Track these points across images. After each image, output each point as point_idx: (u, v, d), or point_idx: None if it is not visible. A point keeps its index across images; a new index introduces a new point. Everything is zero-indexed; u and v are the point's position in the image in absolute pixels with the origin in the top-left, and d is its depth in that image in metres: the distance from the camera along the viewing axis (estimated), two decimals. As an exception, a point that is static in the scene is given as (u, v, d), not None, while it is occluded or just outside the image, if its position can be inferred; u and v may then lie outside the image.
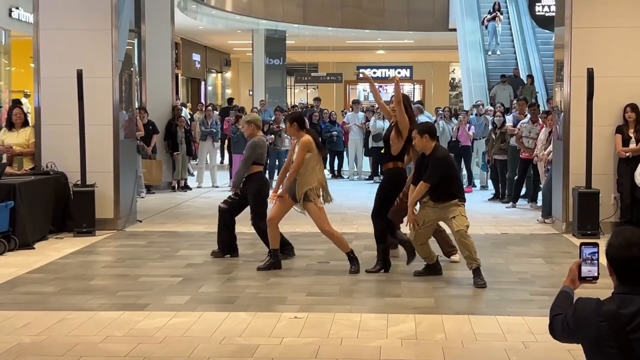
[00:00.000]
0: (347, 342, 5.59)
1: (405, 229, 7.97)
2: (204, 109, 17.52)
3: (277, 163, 15.50)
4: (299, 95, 38.04)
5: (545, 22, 21.61)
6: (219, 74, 38.31)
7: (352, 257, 7.82)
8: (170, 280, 7.51)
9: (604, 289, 3.17)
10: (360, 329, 5.88)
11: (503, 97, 19.09)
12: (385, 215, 7.90)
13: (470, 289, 7.32)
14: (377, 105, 8.14)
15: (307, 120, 17.62)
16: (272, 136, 15.37)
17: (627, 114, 9.92)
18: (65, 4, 10.41)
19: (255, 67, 29.60)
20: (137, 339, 5.65)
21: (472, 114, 16.00)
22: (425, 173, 7.38)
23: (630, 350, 2.82)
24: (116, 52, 10.45)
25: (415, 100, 31.33)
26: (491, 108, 15.95)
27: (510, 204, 12.83)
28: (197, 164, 16.94)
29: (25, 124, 10.52)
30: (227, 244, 8.58)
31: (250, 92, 31.54)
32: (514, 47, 24.08)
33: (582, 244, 3.12)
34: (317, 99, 20.23)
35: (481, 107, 15.99)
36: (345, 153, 18.29)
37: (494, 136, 13.61)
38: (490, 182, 14.61)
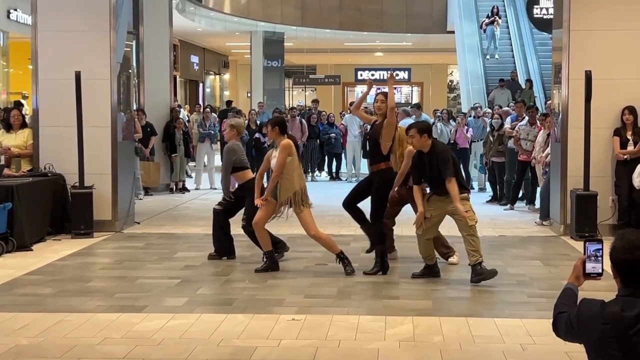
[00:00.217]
0: (345, 345, 5.59)
1: (404, 229, 7.98)
2: (201, 110, 17.51)
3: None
4: (297, 97, 38.07)
5: (543, 25, 21.62)
6: (217, 76, 38.32)
7: (342, 258, 7.83)
8: (168, 282, 7.51)
9: (606, 291, 3.18)
10: (358, 331, 5.88)
11: (501, 101, 19.11)
12: (382, 217, 7.91)
13: (468, 291, 7.33)
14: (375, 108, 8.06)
15: (305, 123, 17.61)
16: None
17: (624, 117, 9.93)
18: (63, 5, 10.41)
19: (253, 69, 29.61)
20: (134, 340, 5.65)
21: (470, 116, 16.01)
22: (426, 171, 7.44)
23: (634, 353, 2.82)
24: (114, 54, 10.45)
25: (413, 102, 31.37)
26: (489, 110, 15.97)
27: (508, 206, 12.85)
28: (195, 165, 16.94)
29: (23, 125, 10.52)
30: (224, 246, 8.59)
31: (249, 94, 31.55)
32: (512, 50, 24.11)
33: (586, 241, 3.15)
34: (315, 101, 20.24)
35: (479, 109, 16.00)
36: (343, 155, 18.30)
37: (491, 138, 13.62)
38: (488, 184, 14.61)
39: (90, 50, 10.36)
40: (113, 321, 6.14)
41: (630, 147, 9.87)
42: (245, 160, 8.54)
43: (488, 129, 14.34)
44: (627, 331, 2.82)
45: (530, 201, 12.78)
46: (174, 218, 11.97)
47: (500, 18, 23.55)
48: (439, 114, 16.32)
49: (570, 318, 3.00)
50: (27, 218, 9.14)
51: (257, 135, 16.27)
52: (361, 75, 40.72)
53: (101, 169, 10.29)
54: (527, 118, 12.74)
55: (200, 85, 34.59)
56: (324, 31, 28.89)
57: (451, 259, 8.27)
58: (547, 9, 21.45)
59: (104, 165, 10.34)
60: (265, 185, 8.01)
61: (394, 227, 8.57)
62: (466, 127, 15.14)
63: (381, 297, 7.01)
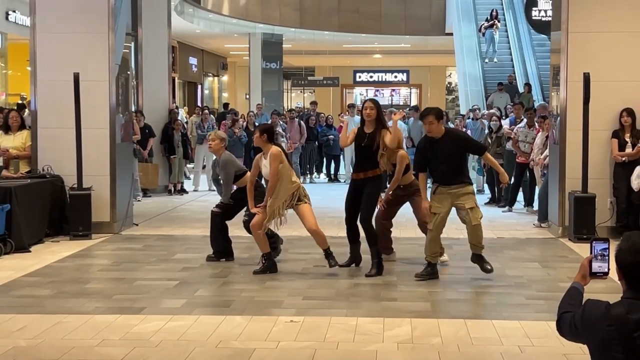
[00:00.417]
0: (343, 347, 5.59)
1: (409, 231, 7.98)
2: (200, 112, 17.52)
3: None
4: (295, 99, 38.06)
5: (541, 27, 21.64)
6: (216, 78, 38.31)
7: (329, 253, 7.87)
8: (167, 284, 7.50)
9: (610, 293, 3.18)
10: (357, 333, 5.88)
11: (500, 105, 19.14)
12: (371, 218, 8.00)
13: (467, 293, 7.34)
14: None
15: (304, 125, 17.59)
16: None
17: (623, 119, 9.93)
18: (62, 7, 10.41)
19: (252, 70, 29.61)
20: (133, 342, 5.64)
21: (468, 118, 16.02)
22: (437, 157, 7.51)
23: (637, 356, 2.81)
24: (113, 55, 10.45)
25: (412, 104, 31.38)
26: (487, 112, 15.98)
27: (507, 208, 12.85)
28: (193, 167, 16.94)
29: (22, 127, 10.51)
30: (222, 248, 8.59)
31: (247, 96, 31.55)
32: (511, 54, 24.12)
33: (593, 240, 3.16)
34: (313, 103, 20.25)
35: (477, 111, 16.02)
36: (341, 157, 18.30)
37: (490, 140, 13.62)
38: (486, 186, 14.62)
39: (88, 51, 10.35)
40: (111, 323, 6.14)
41: (629, 149, 9.88)
42: (242, 167, 8.63)
43: (486, 131, 14.34)
44: (631, 334, 2.82)
45: (529, 203, 12.79)
46: (172, 220, 11.96)
47: (499, 22, 23.56)
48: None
49: (575, 319, 3.00)
50: (26, 220, 9.14)
51: (255, 137, 16.24)
52: (360, 77, 40.79)
53: (99, 171, 10.28)
54: (525, 120, 12.75)
55: (199, 87, 34.58)
56: (323, 33, 28.90)
57: (442, 258, 8.34)
58: (545, 11, 21.48)
59: (102, 166, 10.34)
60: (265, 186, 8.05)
61: (391, 229, 8.58)
62: (464, 129, 15.14)
63: (379, 299, 7.01)
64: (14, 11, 18.82)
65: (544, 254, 9.31)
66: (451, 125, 15.70)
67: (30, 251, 9.04)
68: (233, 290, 7.36)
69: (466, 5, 25.40)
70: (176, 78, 28.80)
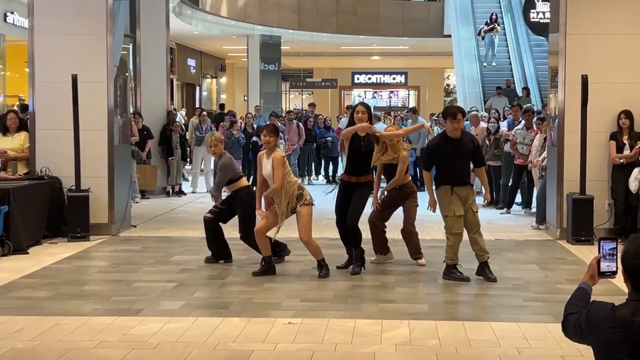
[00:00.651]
0: (341, 348, 5.58)
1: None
2: (199, 114, 17.53)
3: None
4: (293, 101, 38.11)
5: (539, 29, 21.64)
6: (214, 79, 38.32)
7: (322, 265, 7.91)
8: (165, 286, 7.50)
9: (615, 295, 3.18)
10: (355, 335, 5.88)
11: (499, 108, 19.13)
12: (358, 219, 8.03)
13: (464, 295, 7.34)
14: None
15: (302, 127, 17.60)
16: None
17: (621, 121, 9.94)
18: (60, 9, 10.40)
19: (250, 72, 29.64)
20: (131, 344, 5.64)
21: (466, 120, 16.01)
22: (454, 154, 7.55)
23: None
24: (111, 57, 10.45)
25: (410, 106, 31.38)
26: (486, 114, 15.98)
27: (505, 210, 12.86)
28: (191, 169, 16.94)
29: (20, 128, 10.50)
30: (219, 251, 8.60)
31: (245, 98, 31.55)
32: (509, 57, 24.13)
33: (601, 239, 3.16)
34: (312, 105, 20.26)
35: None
36: (339, 159, 18.29)
37: (488, 142, 13.63)
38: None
39: (87, 53, 10.35)
40: (109, 325, 6.13)
41: (627, 151, 9.88)
42: (239, 172, 8.62)
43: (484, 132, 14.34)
44: (636, 336, 2.81)
45: (527, 205, 12.80)
46: (170, 221, 11.96)
47: (499, 25, 23.56)
48: (435, 118, 16.35)
49: (580, 320, 2.99)
50: (23, 221, 9.13)
51: (254, 138, 16.26)
52: (358, 78, 40.81)
53: (98, 172, 10.28)
54: (523, 122, 12.76)
55: (197, 88, 34.59)
56: (321, 35, 28.93)
57: (420, 261, 8.45)
58: (543, 13, 21.49)
59: (100, 168, 10.33)
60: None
61: (385, 229, 8.58)
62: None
63: (377, 301, 7.01)
64: (12, 13, 18.83)
65: (542, 256, 9.31)
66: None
67: (28, 253, 9.04)
68: (231, 292, 7.35)
69: (464, 8, 25.43)
70: (174, 80, 28.80)
